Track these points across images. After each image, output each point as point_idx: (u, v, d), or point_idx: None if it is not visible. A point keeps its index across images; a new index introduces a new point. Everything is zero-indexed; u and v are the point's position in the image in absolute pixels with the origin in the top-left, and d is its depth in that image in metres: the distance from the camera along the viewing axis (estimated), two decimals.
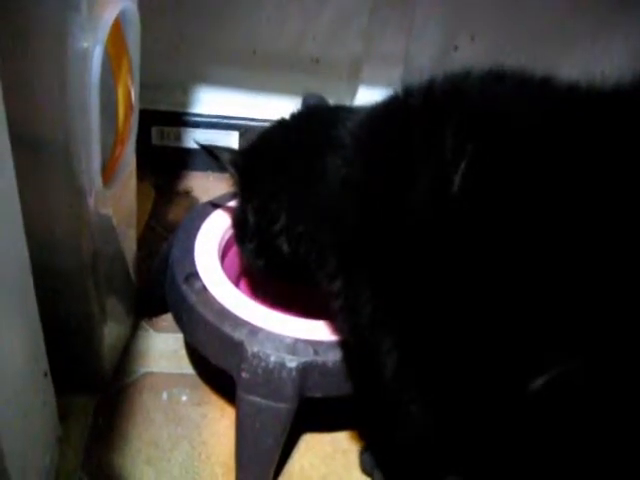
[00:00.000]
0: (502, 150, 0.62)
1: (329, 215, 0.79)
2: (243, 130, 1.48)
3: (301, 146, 0.89)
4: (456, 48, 1.48)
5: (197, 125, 1.50)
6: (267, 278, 1.01)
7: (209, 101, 1.51)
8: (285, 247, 0.89)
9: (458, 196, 0.62)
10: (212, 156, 1.00)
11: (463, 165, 0.62)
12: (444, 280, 0.63)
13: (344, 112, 0.89)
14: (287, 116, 0.96)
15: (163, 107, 1.48)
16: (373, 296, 0.71)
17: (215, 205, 1.11)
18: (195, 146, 1.50)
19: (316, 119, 0.92)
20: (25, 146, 0.72)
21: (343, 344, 0.88)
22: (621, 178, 0.58)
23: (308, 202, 0.84)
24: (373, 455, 0.95)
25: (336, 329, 0.89)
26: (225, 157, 0.98)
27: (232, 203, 1.06)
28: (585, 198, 0.58)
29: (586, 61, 1.44)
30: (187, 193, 1.48)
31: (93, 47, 0.73)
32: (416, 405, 0.69)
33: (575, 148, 0.60)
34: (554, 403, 0.57)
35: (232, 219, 1.02)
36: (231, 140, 1.49)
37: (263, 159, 0.94)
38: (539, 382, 0.57)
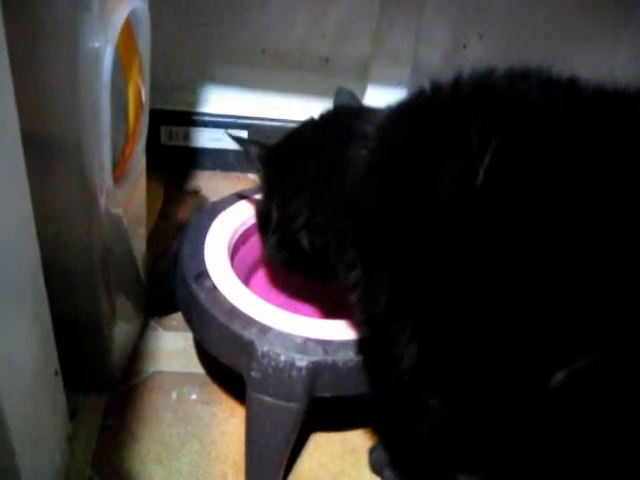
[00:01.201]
0: (526, 145, 0.63)
1: (351, 204, 0.79)
2: (252, 130, 1.48)
3: (325, 143, 0.89)
4: (465, 47, 1.48)
5: (206, 125, 1.50)
6: (288, 270, 1.01)
7: (218, 101, 1.51)
8: (305, 242, 0.90)
9: (482, 189, 0.62)
10: (241, 147, 1.03)
11: (487, 159, 0.62)
12: (466, 271, 0.63)
13: (371, 111, 0.90)
14: (316, 116, 0.96)
15: (172, 107, 1.48)
16: (394, 285, 0.71)
17: (241, 196, 1.12)
18: (204, 146, 1.52)
19: (342, 118, 0.92)
20: (36, 146, 0.72)
21: (359, 339, 0.88)
22: None
23: (330, 194, 0.84)
24: (386, 452, 0.95)
25: (353, 324, 0.90)
26: (253, 151, 1.00)
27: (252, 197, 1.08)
28: (609, 194, 0.58)
29: (594, 60, 1.44)
30: (196, 192, 1.48)
31: (104, 47, 0.73)
32: (435, 399, 0.69)
33: (599, 147, 0.60)
34: (574, 398, 0.57)
35: (256, 211, 1.03)
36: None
37: (287, 155, 0.95)
38: (560, 376, 0.57)
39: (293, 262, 0.97)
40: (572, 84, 0.69)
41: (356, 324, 0.89)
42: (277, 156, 0.97)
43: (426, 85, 0.76)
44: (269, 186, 0.97)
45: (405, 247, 0.69)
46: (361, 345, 0.88)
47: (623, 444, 0.57)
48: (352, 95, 1.06)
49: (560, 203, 0.59)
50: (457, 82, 0.73)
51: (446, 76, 0.74)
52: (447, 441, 0.72)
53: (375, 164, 0.76)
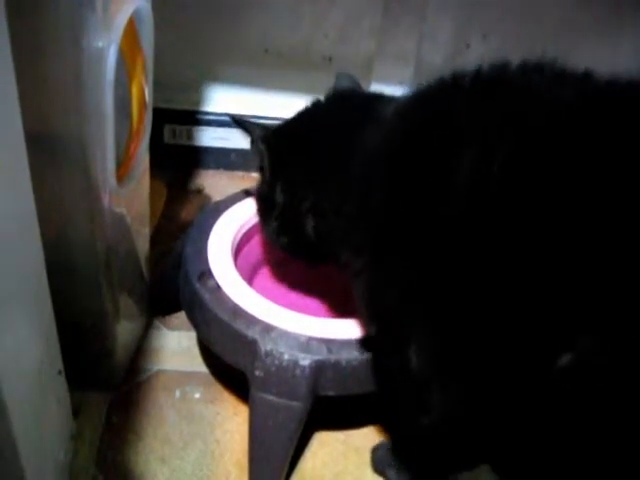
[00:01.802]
0: (542, 136, 0.63)
1: (362, 189, 0.78)
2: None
3: (334, 126, 0.88)
4: (468, 46, 1.48)
5: (209, 123, 1.50)
6: (289, 256, 1.00)
7: (221, 100, 1.51)
8: (310, 227, 0.88)
9: (498, 178, 0.62)
10: (244, 129, 1.01)
11: (504, 150, 0.63)
12: (478, 258, 0.63)
13: (381, 97, 0.90)
14: (321, 98, 0.95)
15: (175, 106, 1.48)
16: (404, 273, 0.71)
17: (245, 194, 1.12)
18: (207, 144, 1.52)
19: (350, 102, 0.92)
20: (40, 145, 0.72)
21: (363, 335, 0.88)
22: None
23: (339, 178, 0.83)
24: (390, 450, 0.95)
25: (356, 322, 0.90)
26: (257, 133, 0.98)
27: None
28: (617, 187, 0.58)
29: (597, 58, 1.43)
30: (199, 191, 1.48)
31: (108, 46, 0.73)
32: (442, 393, 0.69)
33: (614, 139, 0.60)
34: (581, 380, 0.58)
35: (256, 195, 1.01)
36: (243, 139, 1.49)
37: (295, 138, 0.93)
38: (567, 358, 0.57)
39: (294, 248, 0.96)
40: (586, 77, 0.69)
41: (359, 314, 0.88)
42: (283, 139, 0.95)
43: (447, 76, 0.76)
44: (274, 169, 0.94)
45: (416, 236, 0.69)
46: (365, 340, 0.88)
47: (630, 427, 0.57)
48: (353, 79, 1.05)
49: (572, 193, 0.60)
50: (477, 74, 0.73)
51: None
52: (451, 438, 0.73)
53: (390, 150, 0.76)
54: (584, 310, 0.58)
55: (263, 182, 0.97)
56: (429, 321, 0.69)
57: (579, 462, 0.62)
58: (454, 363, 0.68)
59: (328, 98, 0.94)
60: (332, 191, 0.84)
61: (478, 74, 0.72)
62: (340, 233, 0.83)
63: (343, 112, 0.90)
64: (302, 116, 0.95)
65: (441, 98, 0.75)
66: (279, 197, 0.92)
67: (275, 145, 0.94)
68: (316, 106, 0.95)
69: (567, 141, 0.62)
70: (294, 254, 0.98)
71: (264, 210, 0.98)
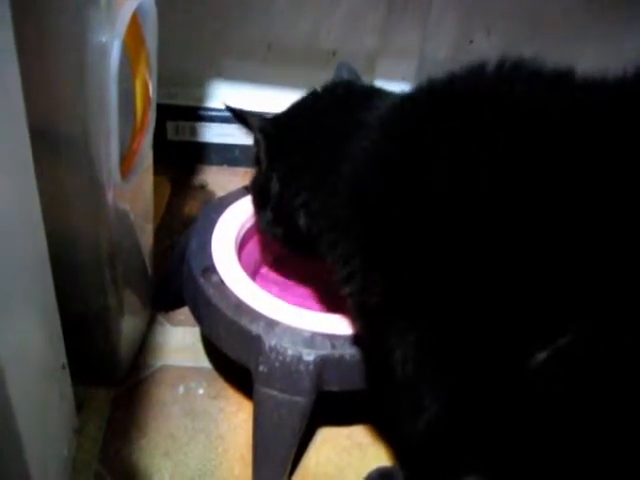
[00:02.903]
0: (535, 139, 0.63)
1: (352, 193, 0.78)
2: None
3: (329, 124, 0.87)
4: (471, 42, 1.48)
5: (212, 120, 1.50)
6: (284, 248, 1.01)
7: (225, 95, 1.51)
8: (302, 222, 0.88)
9: (483, 184, 0.62)
10: (240, 120, 1.00)
11: (493, 151, 0.63)
12: (457, 259, 0.63)
13: (375, 93, 0.89)
14: (319, 88, 0.95)
15: (179, 102, 1.48)
16: (391, 277, 0.71)
17: (248, 191, 1.10)
18: (210, 140, 1.52)
19: (347, 97, 0.91)
20: (44, 140, 0.73)
21: (356, 336, 0.88)
22: None
23: (329, 179, 0.82)
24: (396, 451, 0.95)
25: (350, 319, 0.90)
26: (254, 122, 0.97)
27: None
28: (602, 182, 0.58)
29: (600, 55, 1.43)
30: (202, 187, 1.48)
31: (111, 41, 0.73)
32: (429, 395, 0.69)
33: (610, 139, 0.60)
34: (556, 377, 0.58)
35: (251, 183, 1.01)
36: (246, 135, 1.49)
37: (292, 131, 0.92)
38: (541, 357, 0.57)
39: (288, 239, 0.96)
40: (567, 75, 0.69)
41: (351, 318, 0.88)
42: (280, 130, 0.94)
43: (437, 78, 0.75)
44: (270, 158, 0.94)
45: (406, 238, 0.69)
46: (357, 340, 0.88)
47: (608, 426, 0.57)
48: (353, 70, 1.04)
49: (555, 188, 0.60)
50: (452, 79, 0.73)
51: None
52: (444, 439, 0.72)
53: (379, 155, 0.75)
54: (561, 307, 0.58)
55: (259, 172, 0.97)
56: (415, 325, 0.69)
57: (560, 465, 0.62)
58: (436, 364, 0.68)
59: (326, 89, 0.94)
60: (323, 192, 0.84)
61: (453, 80, 0.73)
62: (328, 238, 0.82)
63: (337, 110, 0.89)
64: (299, 108, 0.95)
65: (434, 102, 0.75)
66: (274, 187, 0.92)
67: (272, 135, 0.94)
68: (314, 98, 0.94)
69: (555, 141, 0.62)
70: (288, 246, 0.99)
71: (259, 200, 0.98)
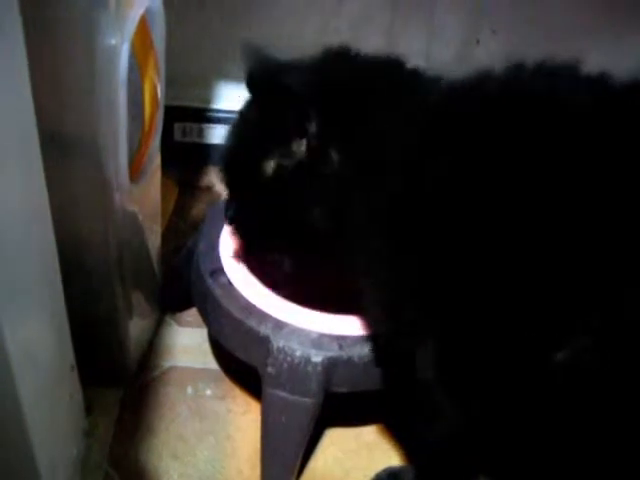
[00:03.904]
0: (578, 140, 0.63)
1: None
2: None
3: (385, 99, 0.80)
4: (478, 42, 1.48)
5: (219, 121, 1.50)
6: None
7: (231, 97, 1.50)
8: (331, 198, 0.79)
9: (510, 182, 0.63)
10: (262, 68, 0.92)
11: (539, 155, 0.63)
12: (485, 259, 0.63)
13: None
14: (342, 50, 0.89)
15: (186, 103, 1.48)
16: (422, 277, 0.69)
17: None
18: (217, 142, 1.51)
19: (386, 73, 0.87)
20: (53, 143, 0.73)
21: (372, 338, 0.88)
22: None
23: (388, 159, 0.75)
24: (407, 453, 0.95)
25: (365, 318, 0.88)
26: (294, 81, 0.84)
27: None
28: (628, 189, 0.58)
29: (607, 55, 1.42)
30: (209, 188, 1.48)
31: (120, 44, 0.73)
32: (449, 399, 0.69)
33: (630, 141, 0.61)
34: (576, 377, 0.58)
35: (280, 171, 0.83)
36: None
37: (349, 96, 0.81)
38: (563, 354, 0.57)
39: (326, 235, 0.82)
40: (602, 80, 0.69)
41: (368, 316, 0.87)
42: (336, 94, 0.81)
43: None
44: (324, 130, 0.80)
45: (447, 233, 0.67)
46: (373, 343, 0.88)
47: (626, 425, 0.57)
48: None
49: (561, 192, 0.60)
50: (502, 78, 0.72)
51: (460, 71, 0.74)
52: (461, 442, 0.72)
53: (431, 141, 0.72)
54: (580, 306, 0.58)
55: (299, 149, 0.81)
56: (440, 325, 0.68)
57: (576, 463, 0.62)
58: (458, 366, 0.68)
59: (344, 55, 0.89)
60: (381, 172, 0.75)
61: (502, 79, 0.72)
62: (366, 225, 0.76)
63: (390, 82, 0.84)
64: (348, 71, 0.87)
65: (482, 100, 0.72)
66: (331, 167, 0.79)
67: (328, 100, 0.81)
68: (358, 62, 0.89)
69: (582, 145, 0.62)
70: (312, 244, 0.85)
71: (296, 189, 0.82)
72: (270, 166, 0.82)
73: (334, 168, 0.79)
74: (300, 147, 0.81)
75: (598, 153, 0.60)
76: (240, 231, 0.93)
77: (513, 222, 0.62)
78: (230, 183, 0.90)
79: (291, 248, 0.88)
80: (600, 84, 0.69)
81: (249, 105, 0.94)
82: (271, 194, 0.84)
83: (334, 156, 0.79)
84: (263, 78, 0.89)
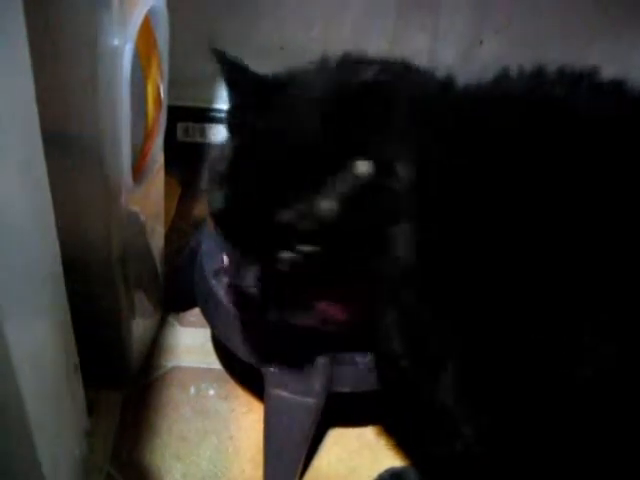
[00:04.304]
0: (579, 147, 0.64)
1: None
2: None
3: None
4: (481, 43, 1.48)
5: (222, 121, 1.50)
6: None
7: None
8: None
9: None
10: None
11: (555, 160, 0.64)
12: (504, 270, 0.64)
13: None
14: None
15: (188, 103, 1.48)
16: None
17: None
18: (219, 142, 1.51)
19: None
20: (56, 143, 0.73)
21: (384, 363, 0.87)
22: None
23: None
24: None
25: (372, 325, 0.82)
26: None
27: None
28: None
29: (610, 56, 1.43)
30: None
31: (124, 45, 0.73)
32: (467, 419, 0.69)
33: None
34: (600, 393, 0.58)
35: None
36: None
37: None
38: (586, 372, 0.57)
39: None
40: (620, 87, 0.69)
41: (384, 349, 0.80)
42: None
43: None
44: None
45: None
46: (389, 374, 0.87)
47: None
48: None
49: (579, 205, 0.60)
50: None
51: (464, 72, 0.74)
52: (479, 462, 0.72)
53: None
54: (602, 321, 0.58)
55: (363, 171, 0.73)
56: (463, 342, 0.68)
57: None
58: (479, 386, 0.68)
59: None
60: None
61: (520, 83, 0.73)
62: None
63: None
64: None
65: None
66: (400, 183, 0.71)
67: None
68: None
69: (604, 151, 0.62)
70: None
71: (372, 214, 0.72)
72: (328, 203, 0.71)
73: (404, 183, 0.71)
74: (364, 168, 0.72)
75: (618, 159, 0.61)
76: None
77: (536, 244, 0.62)
78: (251, 247, 0.76)
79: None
80: (618, 91, 0.69)
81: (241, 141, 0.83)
82: (337, 233, 0.72)
83: (400, 170, 0.72)
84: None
